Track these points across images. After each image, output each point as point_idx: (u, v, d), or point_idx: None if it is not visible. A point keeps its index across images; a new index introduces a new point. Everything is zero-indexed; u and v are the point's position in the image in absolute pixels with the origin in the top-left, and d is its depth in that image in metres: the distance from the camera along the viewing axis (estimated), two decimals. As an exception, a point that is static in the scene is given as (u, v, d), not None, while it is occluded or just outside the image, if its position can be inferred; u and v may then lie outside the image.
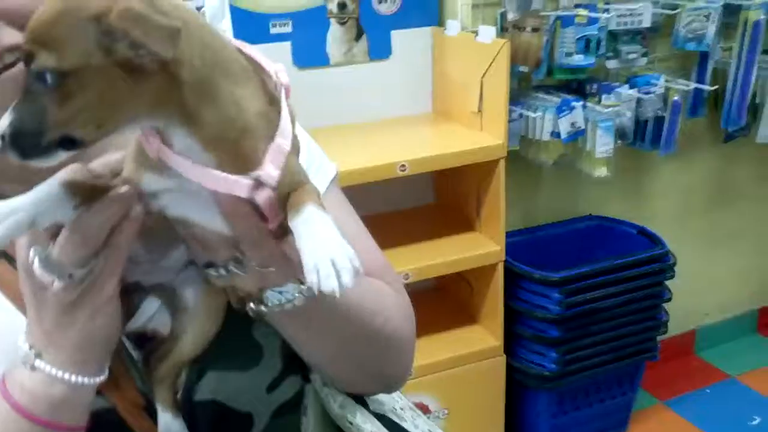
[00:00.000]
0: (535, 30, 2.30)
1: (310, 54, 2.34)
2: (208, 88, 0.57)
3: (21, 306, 0.73)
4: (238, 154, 0.60)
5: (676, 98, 2.55)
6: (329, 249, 0.57)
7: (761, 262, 3.31)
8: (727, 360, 3.18)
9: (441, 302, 2.58)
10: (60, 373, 0.65)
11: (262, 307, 0.69)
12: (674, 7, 2.52)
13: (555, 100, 2.35)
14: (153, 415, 0.76)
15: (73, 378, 0.65)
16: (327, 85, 2.34)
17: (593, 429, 2.66)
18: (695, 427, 2.79)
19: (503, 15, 2.32)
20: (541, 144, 2.39)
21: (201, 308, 0.74)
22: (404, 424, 0.90)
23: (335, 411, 0.87)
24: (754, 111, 2.79)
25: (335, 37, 2.36)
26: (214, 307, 0.75)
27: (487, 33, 2.21)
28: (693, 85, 2.60)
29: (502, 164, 2.22)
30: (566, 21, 2.30)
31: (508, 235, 2.35)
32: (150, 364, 0.77)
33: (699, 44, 2.58)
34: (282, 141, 0.61)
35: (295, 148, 0.64)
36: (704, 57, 2.66)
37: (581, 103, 2.34)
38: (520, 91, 2.43)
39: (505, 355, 2.43)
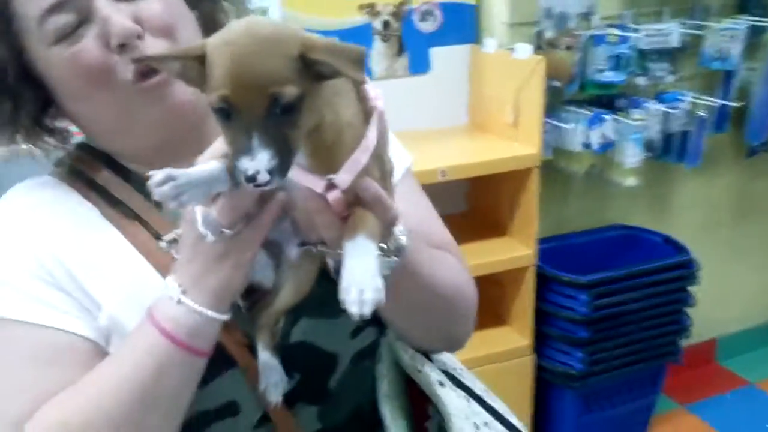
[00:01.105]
0: (568, 48, 2.44)
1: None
2: (319, 99, 0.72)
3: (155, 263, 0.90)
4: (327, 161, 0.75)
5: (701, 113, 2.68)
6: (363, 279, 0.70)
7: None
8: (747, 368, 3.28)
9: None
10: (200, 308, 0.80)
11: (320, 249, 0.83)
12: (701, 27, 2.65)
13: (586, 113, 2.48)
14: (254, 353, 0.90)
15: (209, 313, 0.80)
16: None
17: (616, 430, 2.77)
18: (715, 431, 2.89)
19: (539, 33, 2.46)
20: (573, 155, 2.53)
21: (301, 266, 0.88)
22: (465, 381, 1.03)
23: (406, 361, 1.00)
24: (777, 127, 2.91)
25: (378, 52, 2.52)
26: (312, 267, 0.89)
27: (524, 50, 2.35)
28: (719, 102, 2.72)
29: (536, 172, 2.36)
30: (598, 40, 2.44)
31: (540, 242, 2.49)
32: (253, 312, 0.91)
33: (724, 63, 2.71)
34: (362, 156, 0.76)
35: (381, 162, 0.80)
36: (728, 75, 2.78)
37: (612, 116, 2.48)
38: (553, 104, 2.56)
39: (534, 354, 2.56)
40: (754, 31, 2.71)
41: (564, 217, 2.84)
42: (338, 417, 1.00)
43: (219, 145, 0.76)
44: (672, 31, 2.57)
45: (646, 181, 2.71)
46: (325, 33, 2.39)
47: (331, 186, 0.75)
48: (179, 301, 0.80)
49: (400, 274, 0.84)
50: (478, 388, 1.04)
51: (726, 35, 2.64)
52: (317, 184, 0.75)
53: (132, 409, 0.80)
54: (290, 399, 0.93)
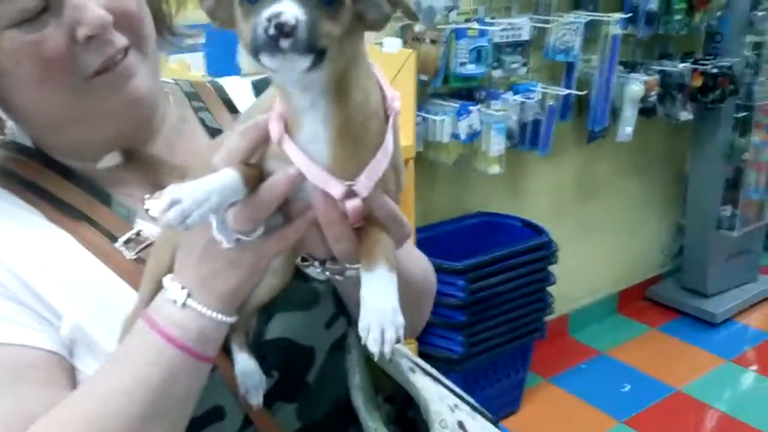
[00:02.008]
0: (433, 42, 2.51)
1: (222, 64, 2.43)
2: (355, 69, 0.68)
3: (111, 265, 0.83)
4: (352, 153, 0.69)
5: (551, 103, 2.86)
6: (384, 316, 0.67)
7: (620, 250, 3.73)
8: (597, 338, 3.55)
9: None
10: (208, 312, 0.74)
11: (338, 277, 0.79)
12: (547, 21, 2.83)
13: (453, 105, 2.58)
14: (230, 354, 0.85)
15: (218, 316, 0.75)
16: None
17: (493, 407, 2.85)
18: (578, 399, 3.11)
19: (404, 28, 2.52)
20: (441, 146, 2.61)
21: (277, 264, 0.83)
22: (421, 364, 1.04)
23: None
24: (613, 114, 3.16)
25: (246, 47, 2.46)
26: (287, 264, 0.84)
27: (393, 44, 2.39)
28: (567, 91, 2.91)
29: (411, 165, 2.41)
30: (460, 33, 2.54)
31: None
32: None
33: (567, 55, 2.91)
34: (382, 159, 0.70)
35: (396, 170, 0.74)
36: (570, 66, 2.99)
37: (477, 107, 2.58)
38: (419, 97, 2.63)
39: (416, 342, 2.62)
40: (591, 25, 2.93)
41: (431, 208, 2.92)
42: (317, 413, 0.97)
43: (234, 144, 0.71)
44: (523, 25, 2.72)
45: (504, 168, 2.85)
46: (192, 27, 2.35)
47: (350, 193, 0.69)
48: (184, 305, 0.74)
49: None
50: (434, 371, 1.06)
51: (570, 28, 2.83)
52: (336, 188, 0.69)
53: (139, 424, 0.74)
54: (268, 398, 0.88)
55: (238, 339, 0.86)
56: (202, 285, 0.75)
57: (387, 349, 0.67)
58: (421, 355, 2.64)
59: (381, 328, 0.67)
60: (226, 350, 0.86)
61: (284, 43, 0.59)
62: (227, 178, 0.68)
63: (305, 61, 0.61)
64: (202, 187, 0.66)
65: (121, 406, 0.73)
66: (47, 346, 0.79)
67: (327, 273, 0.78)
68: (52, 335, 0.80)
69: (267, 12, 0.59)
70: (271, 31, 0.58)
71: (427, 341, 2.65)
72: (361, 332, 0.67)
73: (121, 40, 0.82)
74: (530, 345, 2.94)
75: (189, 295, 0.75)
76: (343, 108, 0.68)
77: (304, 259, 0.79)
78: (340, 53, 0.64)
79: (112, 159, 0.89)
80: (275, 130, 0.69)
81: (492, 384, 2.85)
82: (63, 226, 0.84)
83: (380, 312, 0.68)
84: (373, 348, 0.67)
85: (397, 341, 0.67)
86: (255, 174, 0.71)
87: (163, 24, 0.95)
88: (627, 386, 3.21)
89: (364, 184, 0.69)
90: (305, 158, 0.69)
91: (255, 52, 0.60)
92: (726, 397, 3.16)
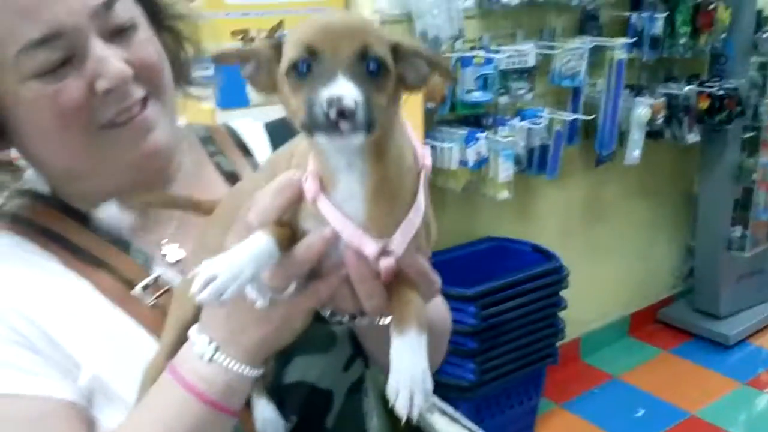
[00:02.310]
0: (439, 70, 2.52)
1: (231, 96, 2.45)
2: (392, 128, 0.68)
3: (130, 312, 0.83)
4: (387, 212, 0.69)
5: (558, 128, 2.87)
6: (413, 381, 0.66)
7: (630, 272, 3.71)
8: (608, 362, 3.53)
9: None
10: (235, 366, 0.74)
11: (356, 321, 0.79)
12: (552, 47, 2.85)
13: (461, 132, 2.58)
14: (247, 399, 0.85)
15: (245, 371, 0.75)
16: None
17: (506, 434, 2.88)
18: (592, 424, 3.08)
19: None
20: (449, 172, 2.62)
21: None
22: (441, 406, 1.03)
23: None
24: (621, 138, 3.17)
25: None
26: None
27: (399, 73, 2.41)
28: (573, 116, 2.92)
29: (420, 192, 2.41)
30: (466, 61, 2.55)
31: (423, 258, 2.53)
32: None
33: (573, 80, 2.92)
34: (415, 217, 0.70)
35: (427, 225, 0.73)
36: (576, 91, 3.00)
37: (484, 134, 2.59)
38: (426, 125, 2.64)
39: (427, 371, 2.60)
40: (596, 50, 2.95)
41: (441, 233, 2.90)
42: None
43: (268, 202, 0.70)
44: (528, 52, 2.73)
45: (513, 193, 2.85)
46: (202, 60, 2.37)
47: (384, 252, 0.69)
48: (211, 359, 0.74)
49: None
50: (450, 409, 1.05)
51: (575, 54, 2.84)
52: (371, 247, 0.68)
53: None
54: None
55: (257, 385, 0.84)
56: (231, 339, 0.75)
57: (415, 413, 0.66)
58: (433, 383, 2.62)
59: (410, 392, 0.67)
60: None
61: (344, 125, 0.60)
62: (262, 244, 0.68)
63: (361, 137, 0.61)
64: (236, 259, 0.66)
65: None
66: (66, 397, 0.79)
67: (358, 326, 0.78)
68: (71, 385, 0.79)
69: (326, 93, 0.59)
70: (332, 115, 0.59)
71: (438, 369, 2.63)
72: (390, 395, 0.67)
73: (139, 92, 0.83)
74: (542, 371, 2.92)
75: (217, 349, 0.74)
76: (380, 166, 0.68)
77: (332, 314, 0.78)
78: (385, 119, 0.64)
79: (108, 208, 0.88)
80: (311, 188, 0.69)
81: (504, 411, 2.82)
82: (80, 272, 0.84)
83: (410, 376, 0.67)
84: (402, 412, 0.66)
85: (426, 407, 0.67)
86: (288, 234, 0.71)
87: (180, 73, 0.95)
88: (641, 411, 3.18)
89: (399, 242, 0.69)
90: (341, 217, 0.69)
91: (312, 130, 0.61)
92: (741, 420, 3.13)
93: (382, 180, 0.68)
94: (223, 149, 1.02)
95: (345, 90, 0.59)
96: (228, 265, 0.66)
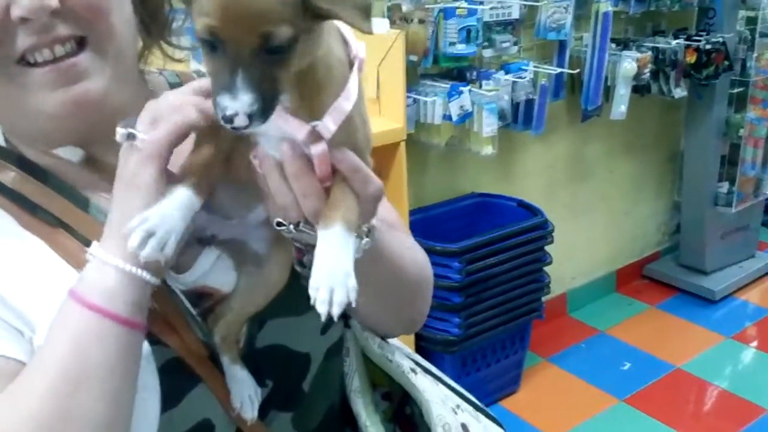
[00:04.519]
0: (421, 22, 2.49)
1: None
2: (321, 35, 0.67)
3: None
4: (314, 101, 0.69)
5: (543, 82, 2.84)
6: (334, 278, 0.66)
7: (617, 228, 3.72)
8: (595, 317, 3.55)
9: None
10: (112, 260, 0.70)
11: (300, 228, 0.76)
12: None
13: (444, 86, 2.55)
14: (216, 363, 0.82)
15: (123, 266, 0.70)
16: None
17: (492, 388, 2.90)
18: (578, 378, 3.10)
19: (389, 8, 2.50)
20: (433, 127, 2.59)
21: (272, 263, 0.82)
22: (423, 364, 1.01)
23: (375, 351, 0.96)
24: (606, 92, 3.14)
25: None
26: (284, 262, 0.82)
27: (380, 25, 2.37)
28: (559, 70, 2.89)
29: (402, 146, 2.39)
30: (448, 13, 2.51)
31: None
32: (211, 320, 0.82)
33: (558, 34, 2.89)
34: (345, 102, 0.70)
35: (361, 119, 0.73)
36: (562, 45, 2.97)
37: (468, 87, 2.56)
38: (409, 79, 2.61)
39: (412, 327, 2.61)
40: (581, 2, 2.91)
41: (425, 190, 2.91)
42: (313, 421, 0.94)
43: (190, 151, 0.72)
44: (513, 4, 2.69)
45: (497, 149, 2.83)
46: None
47: (314, 136, 0.69)
48: (91, 255, 0.71)
49: (370, 256, 0.78)
50: (435, 369, 1.03)
51: (560, 6, 2.80)
52: (300, 129, 0.68)
53: (53, 398, 0.68)
54: (262, 409, 0.85)
55: (229, 351, 0.83)
56: (110, 233, 0.72)
57: (335, 311, 0.65)
58: (418, 338, 2.63)
59: (330, 288, 0.66)
60: (212, 361, 0.83)
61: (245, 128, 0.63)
62: (184, 197, 0.70)
63: (264, 122, 0.64)
64: (167, 212, 0.69)
65: (36, 375, 0.69)
66: (19, 357, 0.75)
67: (302, 238, 0.76)
68: (24, 346, 0.75)
69: (222, 102, 0.62)
70: (229, 126, 0.62)
71: (423, 324, 2.64)
72: (311, 291, 0.66)
73: (64, 29, 0.77)
74: (528, 325, 2.93)
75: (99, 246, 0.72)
76: (304, 69, 0.67)
77: (279, 225, 0.76)
78: (301, 61, 0.66)
79: (71, 153, 0.85)
80: None
81: (489, 365, 2.84)
82: (37, 232, 0.80)
83: (332, 272, 0.66)
84: (321, 308, 0.65)
85: (348, 304, 0.66)
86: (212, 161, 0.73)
87: (155, 28, 0.91)
88: (627, 364, 3.20)
89: (327, 125, 0.69)
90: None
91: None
92: (726, 373, 3.16)
93: (307, 82, 0.68)
94: None
95: (241, 106, 0.61)
96: (161, 218, 0.68)
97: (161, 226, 0.68)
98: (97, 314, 0.69)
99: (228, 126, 0.62)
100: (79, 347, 0.69)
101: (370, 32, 0.63)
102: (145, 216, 0.68)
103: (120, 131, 0.71)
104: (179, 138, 0.72)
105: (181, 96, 0.74)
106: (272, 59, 0.62)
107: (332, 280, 0.66)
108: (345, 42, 0.73)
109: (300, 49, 0.64)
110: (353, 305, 0.66)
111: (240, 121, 0.61)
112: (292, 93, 0.68)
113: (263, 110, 0.63)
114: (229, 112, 0.61)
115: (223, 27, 0.61)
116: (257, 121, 0.63)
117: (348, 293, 0.66)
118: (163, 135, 0.71)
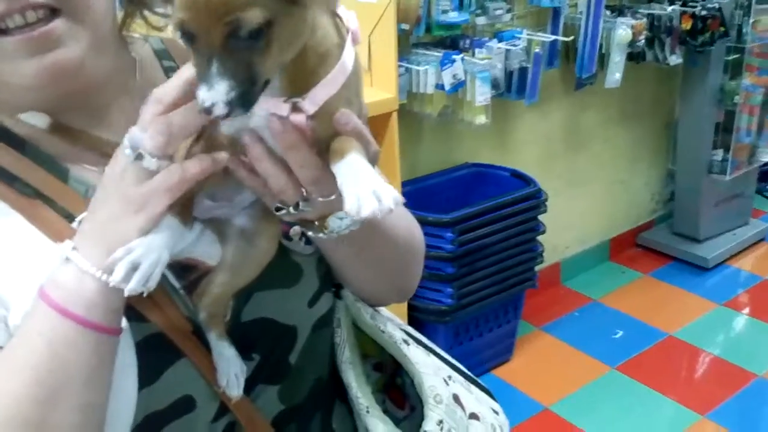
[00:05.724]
0: (413, -11, 2.46)
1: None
2: (312, 17, 0.65)
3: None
4: (302, 78, 0.67)
5: (537, 50, 2.81)
6: (371, 184, 0.63)
7: (611, 197, 3.71)
8: (588, 286, 3.56)
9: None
10: (90, 269, 0.68)
11: (321, 234, 0.77)
12: (531, -34, 2.77)
13: (436, 54, 2.53)
14: (200, 337, 0.81)
15: (101, 276, 0.68)
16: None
17: (485, 357, 2.92)
18: (570, 347, 3.12)
19: (382, -24, 2.46)
20: (426, 97, 2.57)
21: (259, 236, 0.80)
22: (414, 334, 1.00)
23: (367, 322, 0.96)
24: (601, 60, 3.12)
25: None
26: (272, 235, 0.81)
27: (372, -7, 2.34)
28: (552, 37, 2.87)
29: (394, 117, 2.37)
30: (440, -20, 2.48)
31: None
32: (195, 294, 0.81)
33: (552, 1, 2.85)
34: (340, 75, 0.68)
35: (355, 88, 0.72)
36: (556, 12, 2.94)
37: (460, 56, 2.54)
38: (401, 48, 2.58)
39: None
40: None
41: (417, 160, 2.90)
42: (300, 394, 0.93)
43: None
44: (506, -30, 2.66)
45: (491, 118, 2.81)
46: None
47: (296, 110, 0.68)
48: (67, 260, 0.68)
49: (366, 224, 0.78)
50: (426, 340, 1.03)
51: (554, -28, 2.77)
52: (280, 107, 0.67)
53: (29, 404, 0.67)
54: (248, 383, 0.85)
55: (216, 327, 0.81)
56: (91, 236, 0.70)
57: (387, 203, 0.63)
58: (411, 308, 2.64)
59: (372, 190, 0.63)
60: (196, 335, 0.81)
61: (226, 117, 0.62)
62: (172, 225, 0.70)
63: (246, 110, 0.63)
64: (153, 244, 0.68)
65: (10, 382, 0.68)
66: None
67: (304, 219, 0.75)
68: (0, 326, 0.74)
69: (200, 95, 0.61)
70: (212, 117, 0.62)
71: (416, 294, 2.62)
72: (350, 209, 0.63)
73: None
74: (521, 294, 2.94)
75: (74, 249, 0.69)
76: (297, 56, 0.66)
77: (279, 209, 0.75)
78: (291, 48, 0.65)
79: (38, 119, 0.82)
80: None
81: (482, 334, 2.85)
82: (14, 204, 0.78)
83: (365, 182, 0.64)
84: (372, 205, 0.62)
85: (395, 202, 0.63)
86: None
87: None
88: (619, 332, 3.22)
89: (311, 100, 0.68)
90: None
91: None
92: (719, 340, 3.18)
93: (300, 68, 0.67)
94: (180, 63, 0.94)
95: (218, 95, 0.60)
96: (146, 248, 0.68)
97: (147, 258, 0.67)
98: (77, 324, 0.68)
99: (208, 116, 0.61)
100: (57, 355, 0.68)
101: (334, 9, 0.63)
102: (130, 246, 0.67)
103: (127, 151, 0.69)
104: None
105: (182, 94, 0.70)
106: (248, 46, 0.61)
107: (370, 185, 0.64)
108: (335, 15, 0.71)
109: (278, 33, 0.62)
110: (401, 200, 0.64)
111: (218, 110, 0.60)
112: (283, 77, 0.67)
113: (243, 98, 0.61)
114: (207, 104, 0.60)
115: (192, 19, 0.60)
116: (238, 109, 0.61)
117: (389, 189, 0.64)
118: (190, 176, 0.69)
